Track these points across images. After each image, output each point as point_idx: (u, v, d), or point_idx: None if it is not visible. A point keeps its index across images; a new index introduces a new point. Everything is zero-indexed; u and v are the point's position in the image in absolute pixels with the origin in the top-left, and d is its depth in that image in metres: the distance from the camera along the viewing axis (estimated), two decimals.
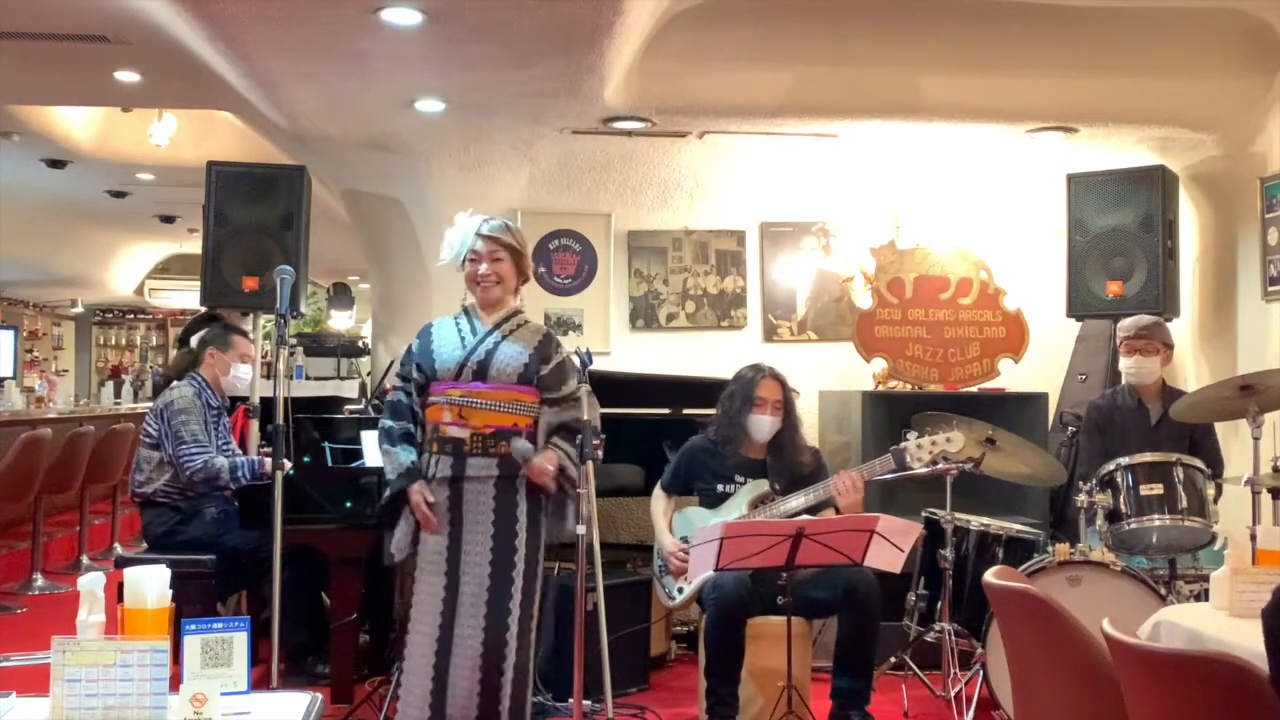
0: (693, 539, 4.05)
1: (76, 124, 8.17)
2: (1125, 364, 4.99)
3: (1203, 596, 4.41)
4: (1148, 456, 4.62)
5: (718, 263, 6.64)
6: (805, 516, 4.26)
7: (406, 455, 3.85)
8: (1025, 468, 4.95)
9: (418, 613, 3.81)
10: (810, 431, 5.93)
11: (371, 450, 4.89)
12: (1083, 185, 5.85)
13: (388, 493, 3.88)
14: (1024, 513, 5.48)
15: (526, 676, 3.78)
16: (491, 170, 6.33)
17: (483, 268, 3.86)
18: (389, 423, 3.92)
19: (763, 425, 4.59)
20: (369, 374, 7.44)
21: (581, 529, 3.82)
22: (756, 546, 3.89)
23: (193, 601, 4.37)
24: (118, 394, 13.69)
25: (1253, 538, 3.91)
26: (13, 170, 8.76)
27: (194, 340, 5.30)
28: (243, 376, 5.20)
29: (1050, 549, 4.46)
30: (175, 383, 5.10)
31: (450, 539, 3.79)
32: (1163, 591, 4.35)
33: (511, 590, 3.74)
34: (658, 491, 4.76)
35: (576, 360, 3.97)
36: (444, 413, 3.81)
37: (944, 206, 6.54)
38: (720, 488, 4.63)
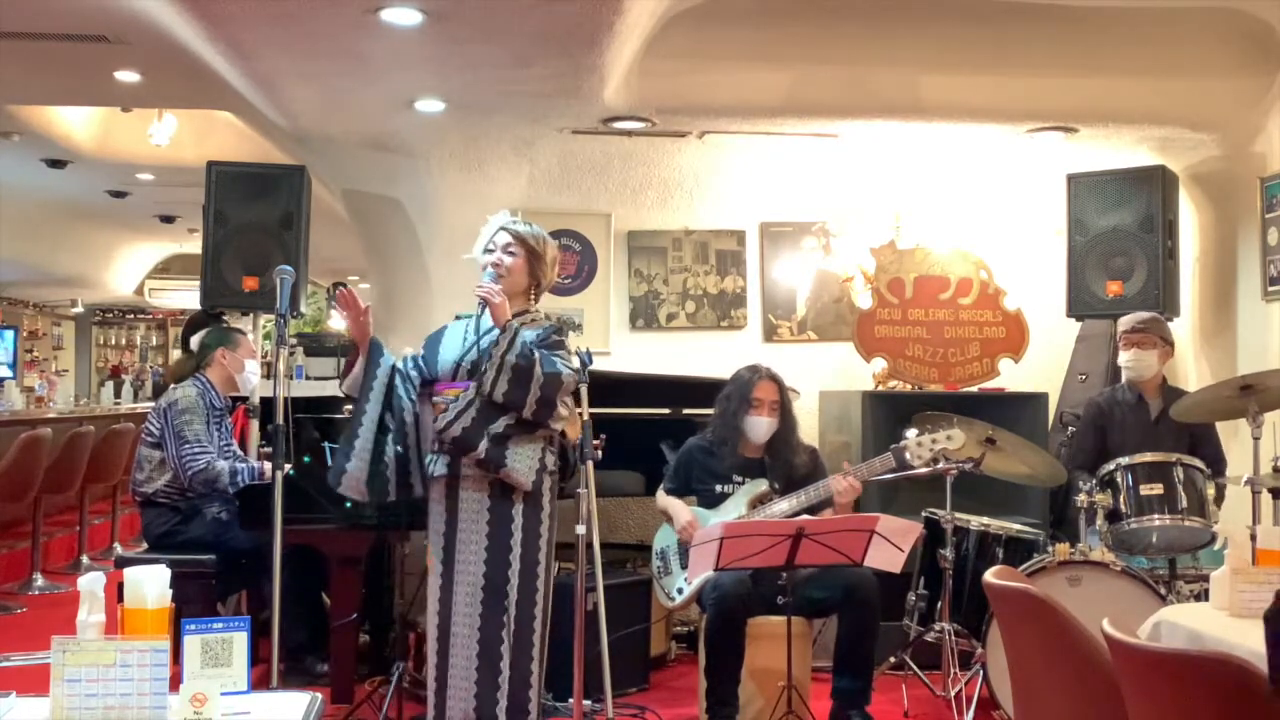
0: (693, 539, 4.05)
1: (76, 124, 8.17)
2: (1124, 358, 5.02)
3: (1203, 596, 4.41)
4: (1148, 456, 4.62)
5: (718, 263, 6.64)
6: (805, 516, 4.26)
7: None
8: (1025, 468, 4.95)
9: (428, 610, 3.85)
10: (810, 431, 5.93)
11: None
12: (1083, 185, 5.85)
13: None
14: (1024, 513, 5.48)
15: (527, 680, 3.75)
16: (491, 170, 6.33)
17: (493, 256, 3.86)
18: None
19: (759, 426, 4.59)
20: None
21: (581, 529, 3.82)
22: (756, 546, 3.89)
23: (193, 601, 4.37)
24: (118, 394, 13.69)
25: (1253, 538, 3.92)
26: (13, 170, 8.77)
27: (193, 342, 5.30)
28: (254, 372, 5.22)
29: (1050, 549, 4.46)
30: (178, 383, 5.10)
31: (446, 540, 3.79)
32: (1163, 591, 4.35)
33: (505, 604, 3.72)
34: (662, 494, 4.76)
35: (576, 360, 3.96)
36: (441, 411, 3.80)
37: (944, 206, 6.54)
38: (719, 488, 4.63)
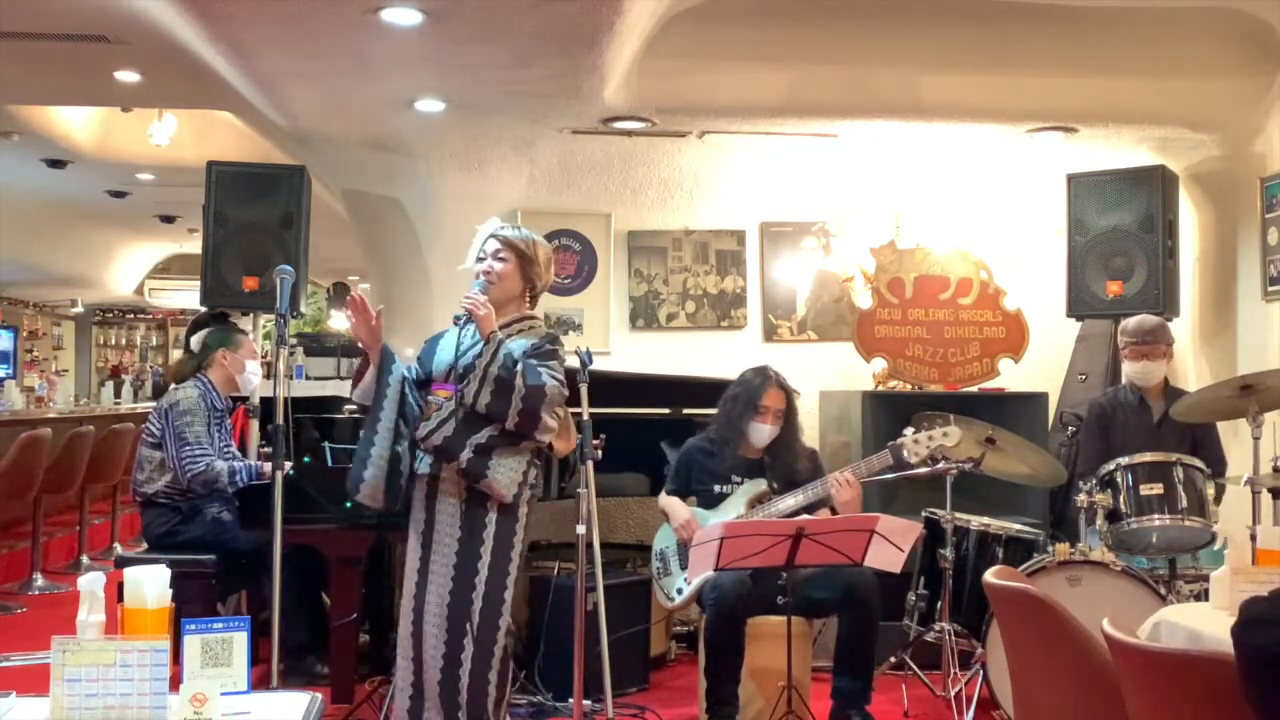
0: (693, 539, 4.05)
1: (76, 124, 8.17)
2: (1133, 369, 4.95)
3: (1203, 596, 4.41)
4: (1148, 456, 4.61)
5: (718, 263, 6.64)
6: (804, 516, 4.26)
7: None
8: (1025, 468, 4.95)
9: (402, 608, 3.86)
10: (810, 432, 5.93)
11: None
12: (1083, 185, 5.84)
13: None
14: (1024, 513, 5.48)
15: (484, 689, 3.73)
16: (491, 170, 6.33)
17: (483, 264, 3.87)
18: None
19: (762, 433, 4.58)
20: None
21: (581, 529, 3.82)
22: (756, 546, 3.88)
23: (193, 601, 4.36)
24: (118, 394, 13.68)
25: (1253, 538, 3.91)
26: (13, 170, 8.77)
27: (194, 343, 5.30)
28: (255, 372, 5.22)
29: (1050, 549, 4.46)
30: (179, 384, 5.10)
31: (424, 537, 3.81)
32: (1163, 591, 4.35)
33: (470, 610, 3.72)
34: (664, 496, 4.75)
35: (576, 360, 3.96)
36: (431, 410, 3.81)
37: (944, 206, 6.53)
38: (718, 489, 4.62)
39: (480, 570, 3.74)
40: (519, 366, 3.69)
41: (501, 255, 3.87)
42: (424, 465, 3.81)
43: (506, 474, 3.73)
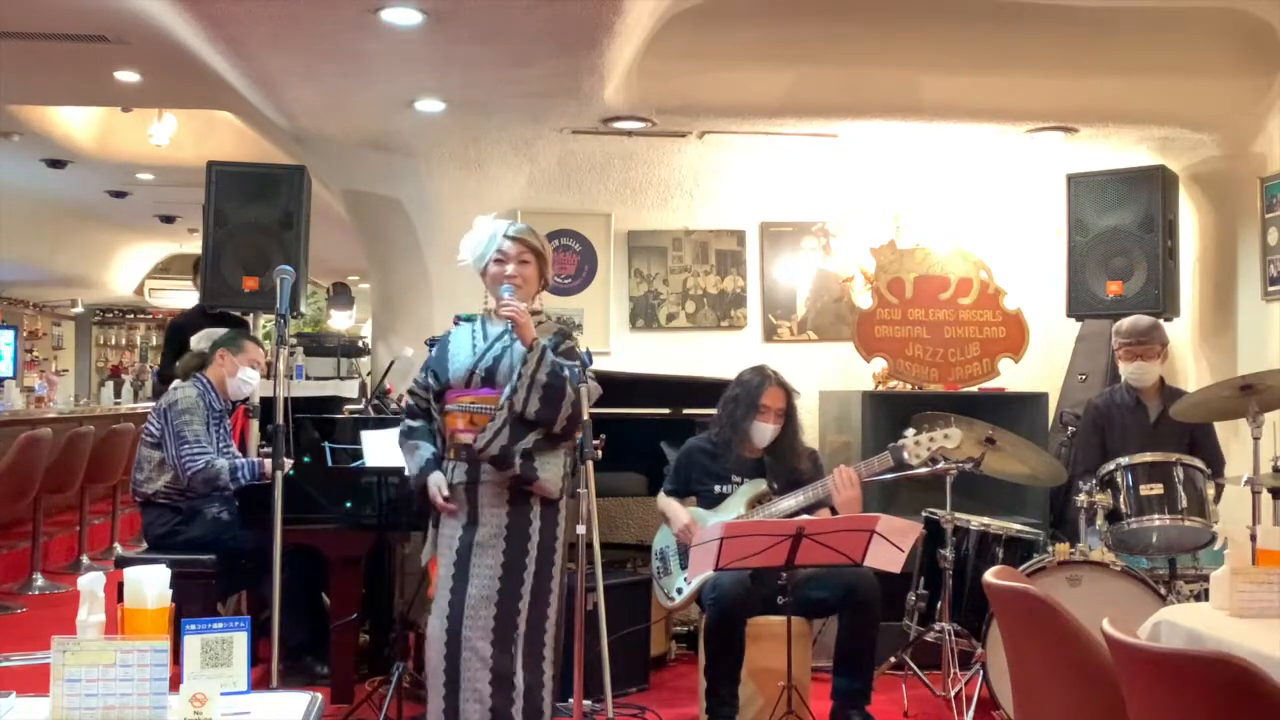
0: (693, 539, 4.05)
1: (76, 124, 8.17)
2: (1128, 369, 4.96)
3: (1203, 596, 4.41)
4: (1148, 456, 4.62)
5: (718, 263, 6.64)
6: (804, 516, 4.26)
7: (426, 449, 3.89)
8: (1025, 468, 4.95)
9: (433, 614, 3.82)
10: (810, 431, 5.93)
11: (371, 450, 4.89)
12: (1083, 185, 5.85)
13: (414, 488, 3.92)
14: (1024, 513, 5.48)
15: (540, 680, 3.75)
16: (491, 170, 6.33)
17: (510, 268, 3.84)
18: (410, 423, 3.97)
19: (764, 432, 4.58)
20: (369, 374, 7.45)
21: (581, 529, 3.82)
22: (756, 546, 3.88)
23: (193, 601, 4.36)
24: (118, 394, 13.69)
25: (1253, 538, 3.91)
26: (13, 170, 8.76)
27: (195, 341, 5.29)
28: (248, 381, 5.17)
29: (1050, 549, 4.46)
30: (179, 383, 5.09)
31: (461, 543, 3.79)
32: (1163, 591, 4.35)
33: (519, 605, 3.73)
34: (663, 496, 4.75)
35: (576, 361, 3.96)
36: (458, 420, 3.81)
37: (944, 206, 6.54)
38: (718, 489, 4.62)
39: (528, 565, 3.75)
40: (566, 373, 3.71)
41: (526, 259, 3.87)
42: (458, 474, 3.81)
43: (553, 472, 3.77)
